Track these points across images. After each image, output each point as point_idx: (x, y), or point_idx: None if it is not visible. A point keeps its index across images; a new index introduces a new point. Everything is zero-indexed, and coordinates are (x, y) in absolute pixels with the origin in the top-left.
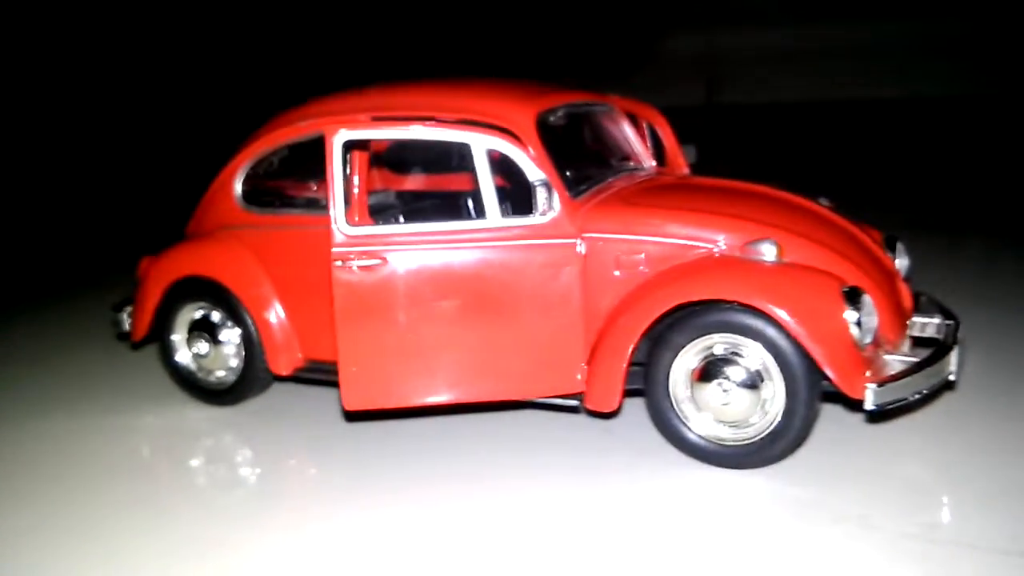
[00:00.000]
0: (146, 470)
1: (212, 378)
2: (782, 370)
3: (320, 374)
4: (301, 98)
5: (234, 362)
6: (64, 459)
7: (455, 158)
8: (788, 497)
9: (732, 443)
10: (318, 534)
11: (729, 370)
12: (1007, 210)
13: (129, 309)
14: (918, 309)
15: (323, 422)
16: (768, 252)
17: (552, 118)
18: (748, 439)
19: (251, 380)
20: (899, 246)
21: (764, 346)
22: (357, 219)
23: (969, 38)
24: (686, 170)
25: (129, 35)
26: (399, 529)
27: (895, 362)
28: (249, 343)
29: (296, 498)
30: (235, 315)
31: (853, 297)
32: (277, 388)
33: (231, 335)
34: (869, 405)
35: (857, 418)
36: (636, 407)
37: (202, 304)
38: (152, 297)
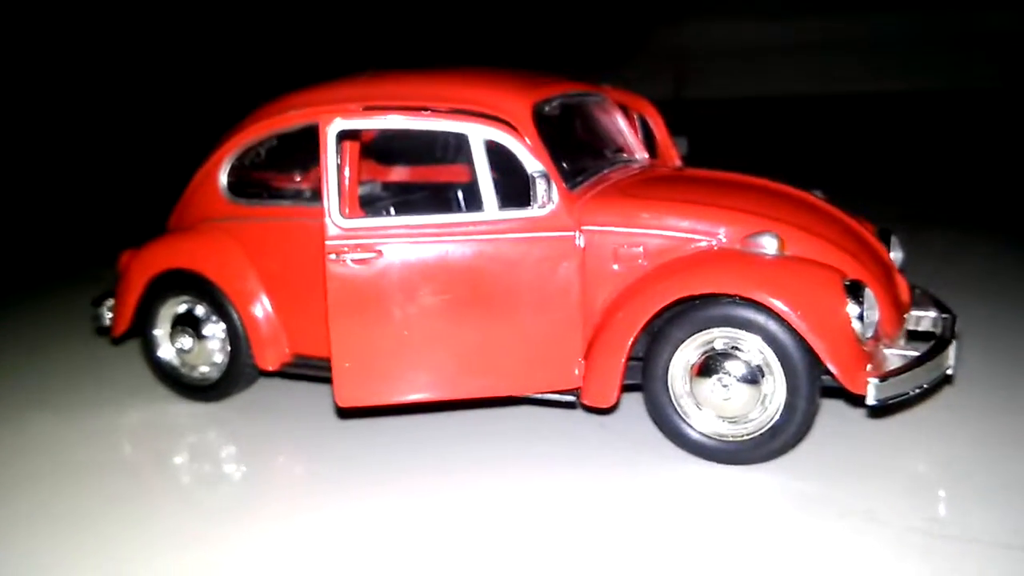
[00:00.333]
0: (129, 467)
1: (196, 373)
2: (783, 365)
3: (307, 369)
4: (284, 88)
5: (219, 357)
6: (46, 457)
7: (445, 149)
8: (790, 491)
9: (732, 438)
10: (307, 528)
11: (729, 365)
12: (1000, 204)
13: (109, 303)
14: (913, 303)
15: (311, 417)
16: (769, 245)
17: (547, 108)
18: (748, 434)
19: (236, 375)
20: (893, 239)
21: (765, 340)
22: (348, 211)
23: (963, 31)
24: (678, 162)
25: (114, 27)
26: (389, 521)
27: (893, 356)
28: (234, 338)
29: (283, 493)
30: (220, 309)
31: (855, 291)
32: (262, 383)
33: (215, 330)
34: (871, 400)
35: (856, 412)
36: (631, 401)
37: (186, 298)
38: (134, 291)
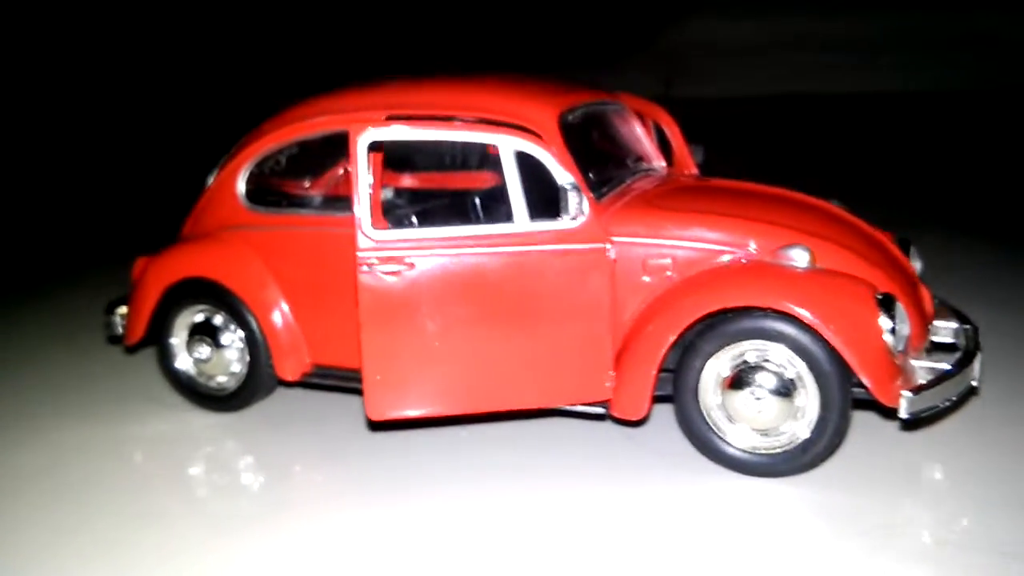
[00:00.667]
0: (145, 479)
1: (213, 383)
2: (816, 378)
3: (328, 379)
4: (287, 93)
5: (237, 367)
6: (72, 469)
7: (457, 156)
8: (819, 504)
9: (763, 451)
10: (329, 536)
11: (762, 378)
12: (992, 208)
13: (122, 311)
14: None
15: (333, 427)
16: (801, 258)
17: (571, 117)
18: (779, 447)
19: (255, 385)
20: (912, 249)
21: (798, 353)
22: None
23: (955, 32)
24: (694, 170)
25: (126, 30)
26: (412, 529)
27: (920, 368)
28: (254, 347)
29: (304, 504)
30: (239, 318)
31: (887, 304)
32: (281, 394)
33: (234, 339)
34: (903, 413)
35: (881, 424)
36: (657, 413)
37: (203, 307)
38: (150, 299)
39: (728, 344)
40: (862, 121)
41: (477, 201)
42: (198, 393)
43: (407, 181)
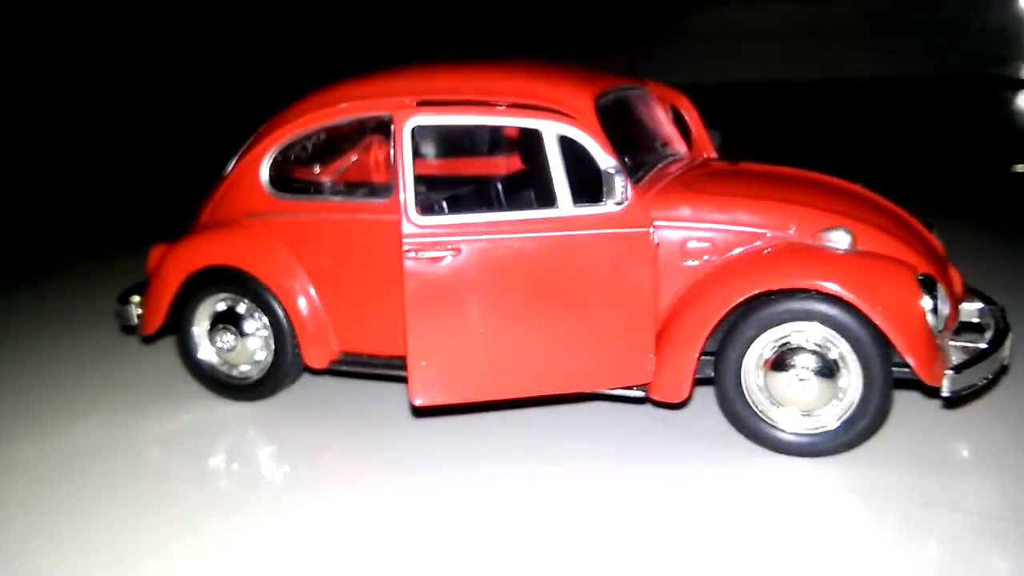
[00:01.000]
0: (167, 473)
1: (235, 372)
2: (859, 359)
3: (357, 366)
4: (293, 85)
5: (261, 355)
6: (94, 461)
7: (490, 143)
8: (861, 483)
9: (805, 432)
10: (355, 522)
11: (804, 359)
12: (969, 194)
13: (136, 299)
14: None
15: (363, 414)
16: (842, 240)
17: (603, 102)
18: (822, 428)
19: (281, 374)
20: (935, 231)
21: (841, 334)
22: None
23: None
24: (714, 154)
25: (132, 19)
26: (439, 516)
27: (954, 347)
28: (280, 335)
29: (332, 491)
30: (264, 306)
31: (929, 285)
32: (307, 382)
33: (258, 327)
34: (946, 392)
35: (918, 403)
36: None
37: (225, 296)
38: (169, 288)
39: (771, 326)
40: (829, 107)
41: (508, 186)
42: (220, 383)
43: (434, 167)
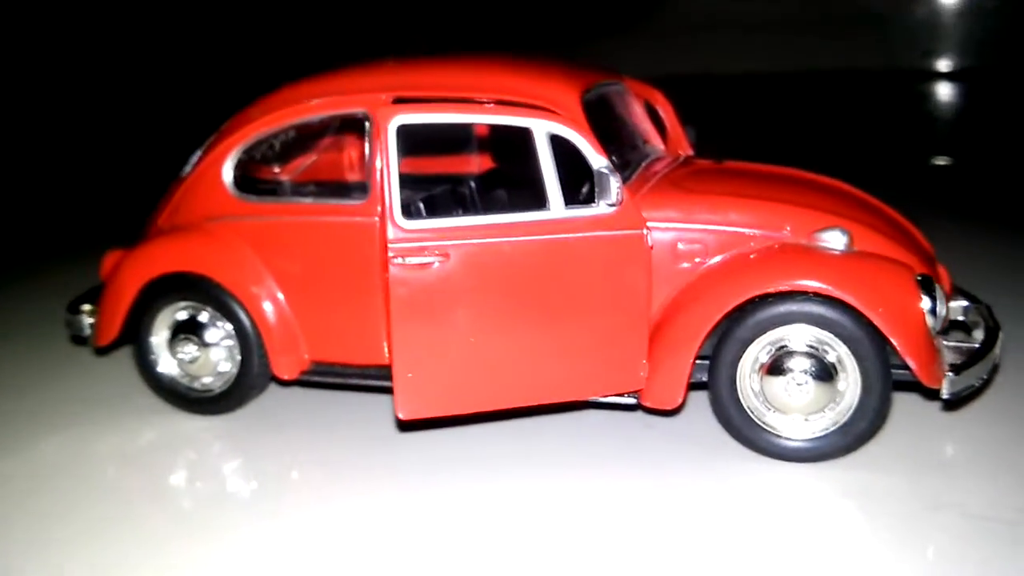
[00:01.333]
0: (127, 493)
1: (197, 384)
2: (858, 362)
3: (329, 376)
4: (248, 81)
5: (225, 367)
6: (44, 483)
7: (463, 140)
8: (858, 487)
9: (803, 437)
10: (327, 537)
11: (801, 363)
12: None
13: (88, 308)
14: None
15: (334, 426)
16: (838, 241)
17: (587, 98)
18: (820, 432)
19: (247, 385)
20: (920, 229)
21: (839, 337)
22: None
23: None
24: (690, 151)
25: (101, 19)
26: (418, 527)
27: (947, 348)
28: (246, 345)
29: (301, 508)
30: (229, 315)
31: (927, 285)
32: (275, 393)
33: (222, 337)
34: (946, 393)
35: (915, 405)
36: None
37: (187, 304)
38: (125, 297)
39: (767, 329)
40: (755, 100)
41: (482, 186)
42: (181, 396)
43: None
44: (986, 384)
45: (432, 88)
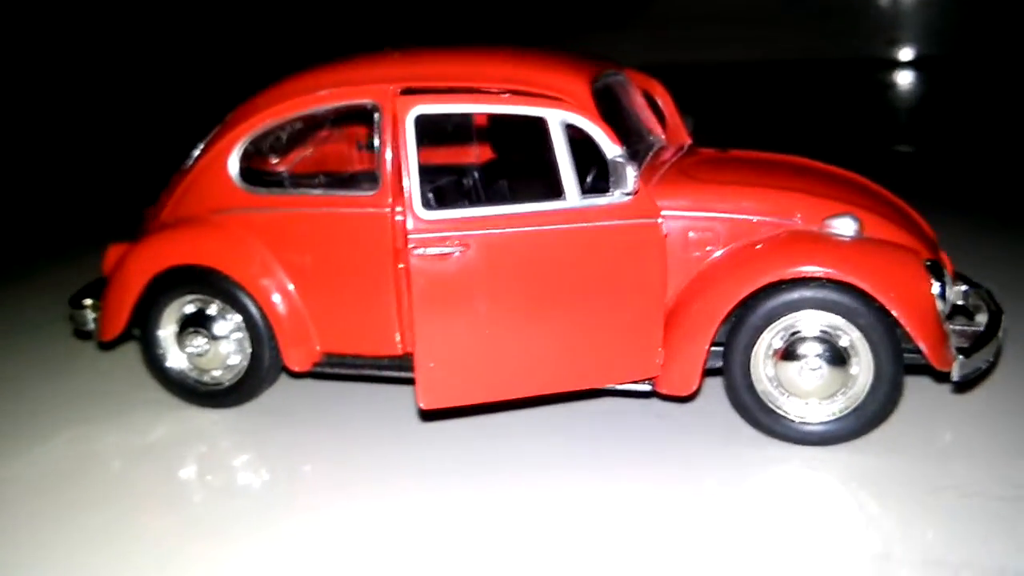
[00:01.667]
0: (137, 490)
1: (207, 378)
2: (870, 346)
3: (341, 368)
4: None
5: (235, 359)
6: (54, 483)
7: (464, 130)
8: (875, 469)
9: (815, 421)
10: (333, 536)
11: (815, 348)
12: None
13: (91, 303)
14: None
15: (344, 418)
16: (849, 227)
17: (595, 88)
18: (832, 416)
19: (258, 378)
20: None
21: (852, 322)
22: (391, 199)
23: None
24: (688, 140)
25: (101, 15)
26: (428, 526)
27: (952, 331)
28: (257, 338)
29: (313, 502)
30: (239, 308)
31: (936, 270)
32: (286, 385)
33: (231, 330)
34: (956, 377)
35: (922, 388)
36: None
37: (195, 297)
38: (132, 291)
39: (781, 315)
40: (722, 90)
41: (484, 176)
42: (189, 389)
43: None
44: (991, 367)
45: (440, 79)
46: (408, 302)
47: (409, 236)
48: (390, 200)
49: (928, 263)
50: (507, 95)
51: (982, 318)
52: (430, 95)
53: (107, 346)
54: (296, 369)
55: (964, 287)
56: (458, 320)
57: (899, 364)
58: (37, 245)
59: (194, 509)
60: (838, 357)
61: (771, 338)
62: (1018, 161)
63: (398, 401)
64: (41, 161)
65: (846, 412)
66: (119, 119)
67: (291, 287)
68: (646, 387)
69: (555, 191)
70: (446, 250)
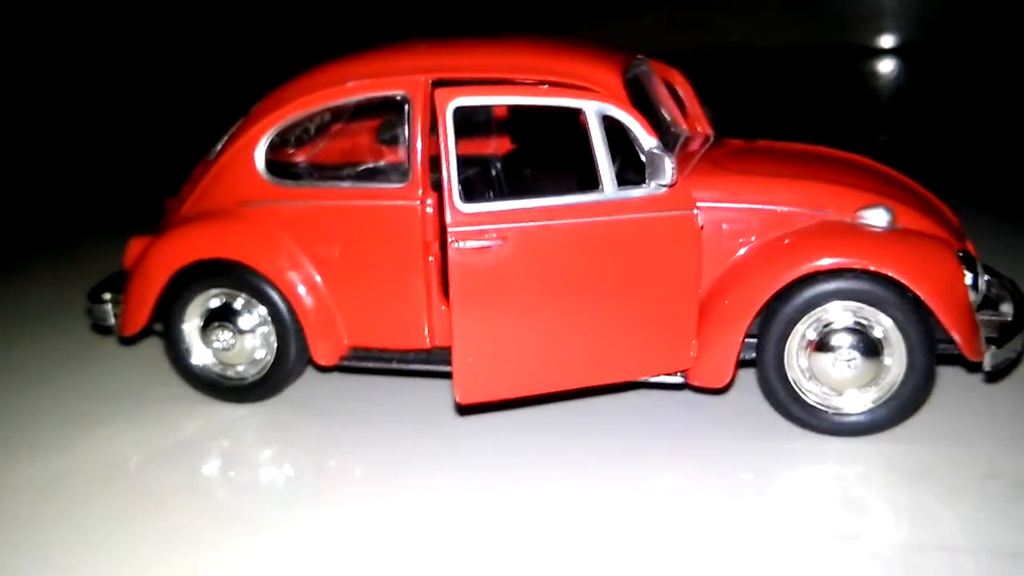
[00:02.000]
0: (158, 482)
1: (231, 373)
2: (904, 337)
3: (368, 362)
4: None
5: (260, 354)
6: (78, 479)
7: (485, 121)
8: (913, 459)
9: (849, 412)
10: (373, 527)
11: (848, 339)
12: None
13: (110, 297)
14: None
15: (369, 413)
16: (881, 218)
17: (626, 78)
18: (865, 407)
19: (284, 372)
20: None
21: (885, 313)
22: (421, 192)
23: None
24: (710, 131)
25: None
26: (453, 522)
27: (979, 321)
28: (283, 331)
29: (339, 498)
30: (265, 301)
31: (968, 261)
32: (312, 379)
33: (257, 324)
34: (988, 367)
35: (957, 378)
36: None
37: (220, 291)
38: (155, 284)
39: (814, 307)
40: (703, 77)
41: (506, 167)
42: (213, 384)
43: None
44: (1020, 356)
45: (471, 70)
46: (437, 295)
47: (448, 230)
48: (420, 192)
49: (961, 253)
50: (546, 87)
51: (1006, 308)
52: (469, 87)
53: (128, 341)
54: (323, 363)
55: (987, 277)
56: (496, 314)
57: (932, 354)
58: (34, 239)
59: (218, 503)
60: (872, 348)
61: (804, 329)
62: (1000, 148)
63: (424, 395)
64: (44, 154)
65: (879, 403)
66: (123, 112)
67: (318, 280)
68: (679, 379)
69: (589, 183)
70: (485, 243)
